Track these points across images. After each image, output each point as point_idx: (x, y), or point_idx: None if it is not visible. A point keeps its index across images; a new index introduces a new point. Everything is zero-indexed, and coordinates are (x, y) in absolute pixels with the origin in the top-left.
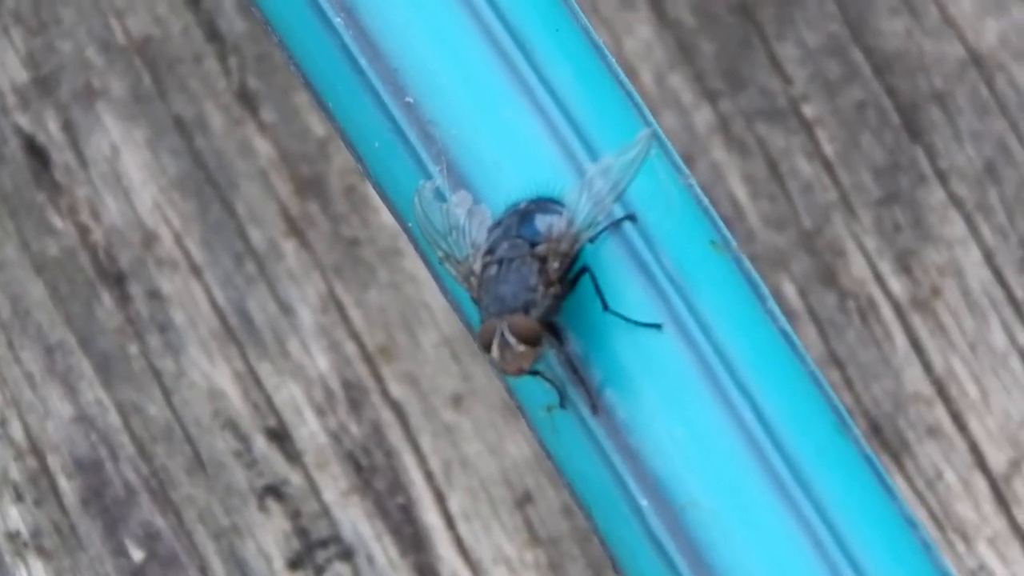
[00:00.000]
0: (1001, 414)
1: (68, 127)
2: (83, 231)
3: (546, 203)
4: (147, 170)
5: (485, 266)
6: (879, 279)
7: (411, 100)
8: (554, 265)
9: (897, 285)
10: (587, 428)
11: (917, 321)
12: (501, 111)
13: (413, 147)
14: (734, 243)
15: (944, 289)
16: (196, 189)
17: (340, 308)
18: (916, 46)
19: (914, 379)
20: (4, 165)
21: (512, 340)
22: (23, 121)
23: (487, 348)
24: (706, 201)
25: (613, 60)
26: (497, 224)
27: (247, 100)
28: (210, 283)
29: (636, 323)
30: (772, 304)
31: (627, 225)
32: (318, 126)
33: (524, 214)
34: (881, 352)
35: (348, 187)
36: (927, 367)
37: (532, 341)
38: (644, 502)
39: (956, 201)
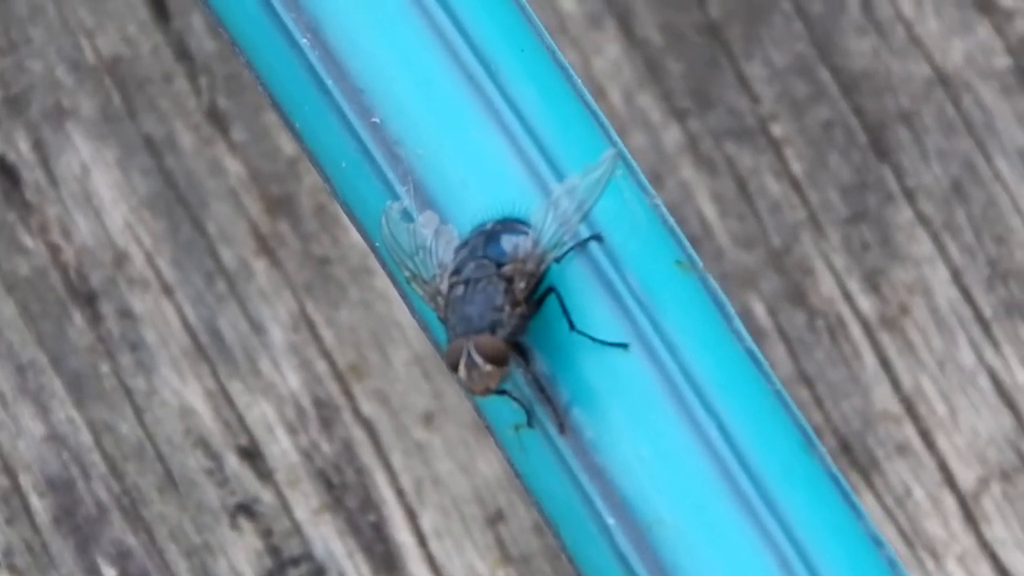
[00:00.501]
0: (969, 432)
1: (38, 146)
2: (54, 250)
3: (512, 223)
4: (117, 189)
5: (452, 286)
6: (848, 297)
7: (377, 120)
8: (520, 285)
9: (866, 303)
10: (554, 447)
11: (886, 339)
12: (467, 131)
13: (380, 167)
14: (700, 263)
15: (912, 307)
16: (167, 208)
17: (311, 326)
18: (883, 66)
19: (883, 397)
20: None
21: (479, 360)
22: None
23: (454, 368)
24: (672, 221)
25: (579, 80)
26: (463, 244)
27: (217, 120)
28: (181, 302)
29: (602, 342)
30: (738, 323)
31: (593, 245)
32: (288, 145)
33: (490, 234)
34: (850, 370)
35: (318, 206)
36: (896, 385)
37: (498, 361)
38: (611, 520)
39: (923, 220)
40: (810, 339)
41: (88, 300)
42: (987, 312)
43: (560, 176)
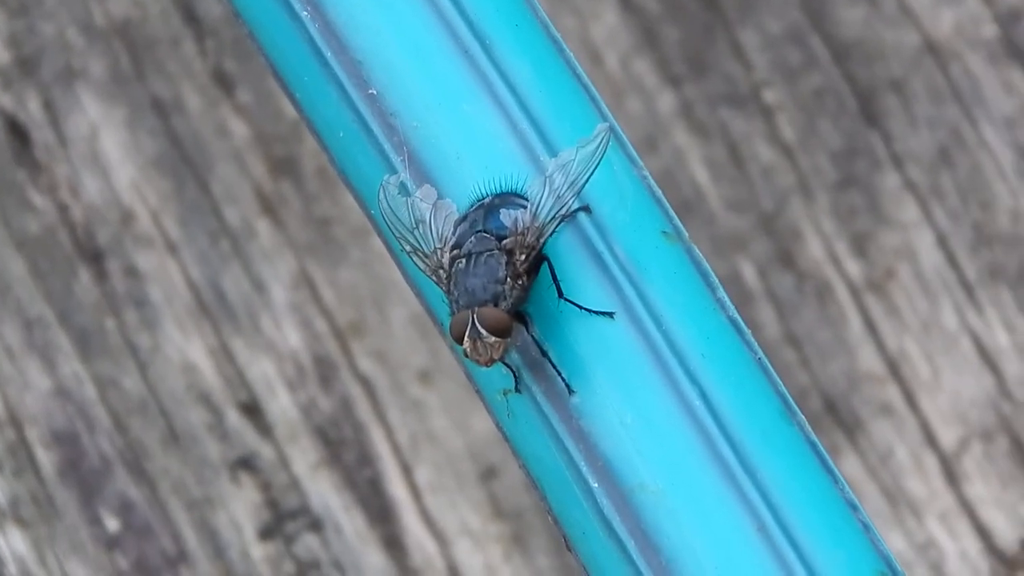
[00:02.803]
0: (952, 393)
1: (48, 107)
2: (62, 209)
3: (510, 197)
4: (125, 149)
5: (453, 260)
6: (835, 261)
7: (374, 92)
8: (520, 257)
9: (853, 267)
10: (540, 412)
11: (871, 302)
12: (461, 105)
13: (376, 138)
14: (686, 233)
15: (898, 271)
16: (173, 169)
17: (311, 286)
18: (874, 34)
19: (868, 359)
20: None
21: (483, 332)
22: (4, 100)
23: (459, 340)
24: (659, 192)
25: (571, 55)
26: (463, 218)
27: (223, 82)
28: (185, 260)
29: (589, 311)
30: (722, 293)
31: (581, 216)
32: (292, 109)
33: (489, 208)
34: (836, 332)
35: (320, 168)
36: (880, 347)
37: (502, 332)
38: (595, 484)
39: (910, 185)
40: (798, 301)
41: (95, 258)
42: (971, 276)
43: (553, 149)
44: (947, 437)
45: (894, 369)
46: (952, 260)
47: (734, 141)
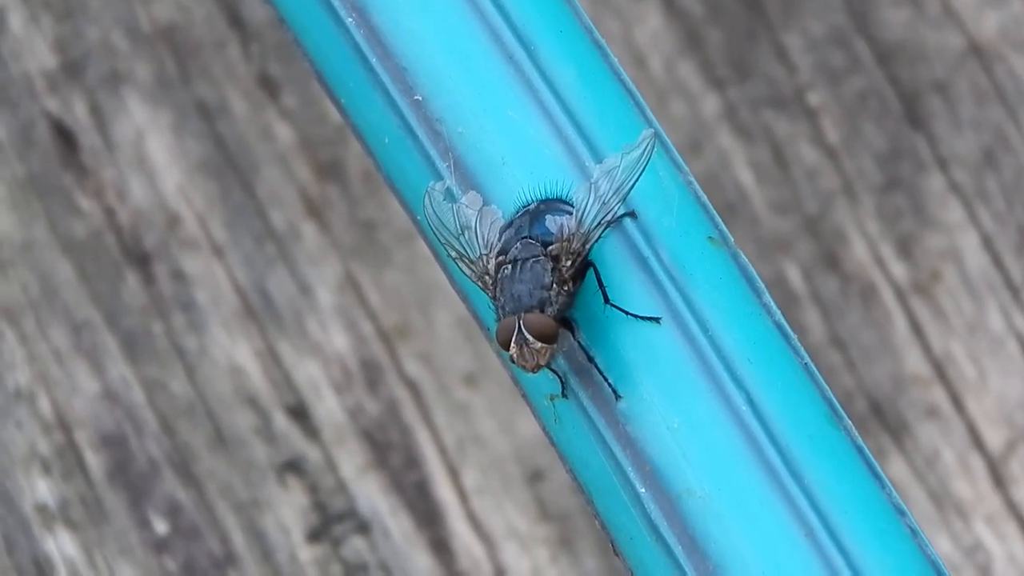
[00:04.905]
0: (998, 395)
1: (95, 111)
2: (109, 213)
3: (555, 203)
4: (171, 153)
5: (499, 266)
6: (880, 263)
7: (420, 98)
8: (566, 264)
9: (898, 269)
10: (587, 417)
11: (917, 304)
12: (506, 110)
13: (421, 143)
14: (731, 238)
15: (944, 273)
16: (218, 172)
17: (357, 289)
18: (918, 36)
19: (914, 361)
20: (33, 148)
21: (530, 338)
22: (51, 104)
23: (506, 346)
24: (704, 197)
25: (615, 60)
26: (508, 224)
27: (268, 86)
28: (232, 264)
29: (636, 316)
30: (768, 298)
31: (627, 221)
32: (337, 112)
33: (535, 214)
34: (882, 335)
35: (366, 171)
36: (926, 349)
37: (548, 338)
38: (642, 489)
39: (956, 187)
40: (843, 304)
41: (142, 261)
42: (1017, 278)
43: (598, 155)
44: (994, 439)
45: (940, 371)
46: (998, 262)
47: (778, 143)
